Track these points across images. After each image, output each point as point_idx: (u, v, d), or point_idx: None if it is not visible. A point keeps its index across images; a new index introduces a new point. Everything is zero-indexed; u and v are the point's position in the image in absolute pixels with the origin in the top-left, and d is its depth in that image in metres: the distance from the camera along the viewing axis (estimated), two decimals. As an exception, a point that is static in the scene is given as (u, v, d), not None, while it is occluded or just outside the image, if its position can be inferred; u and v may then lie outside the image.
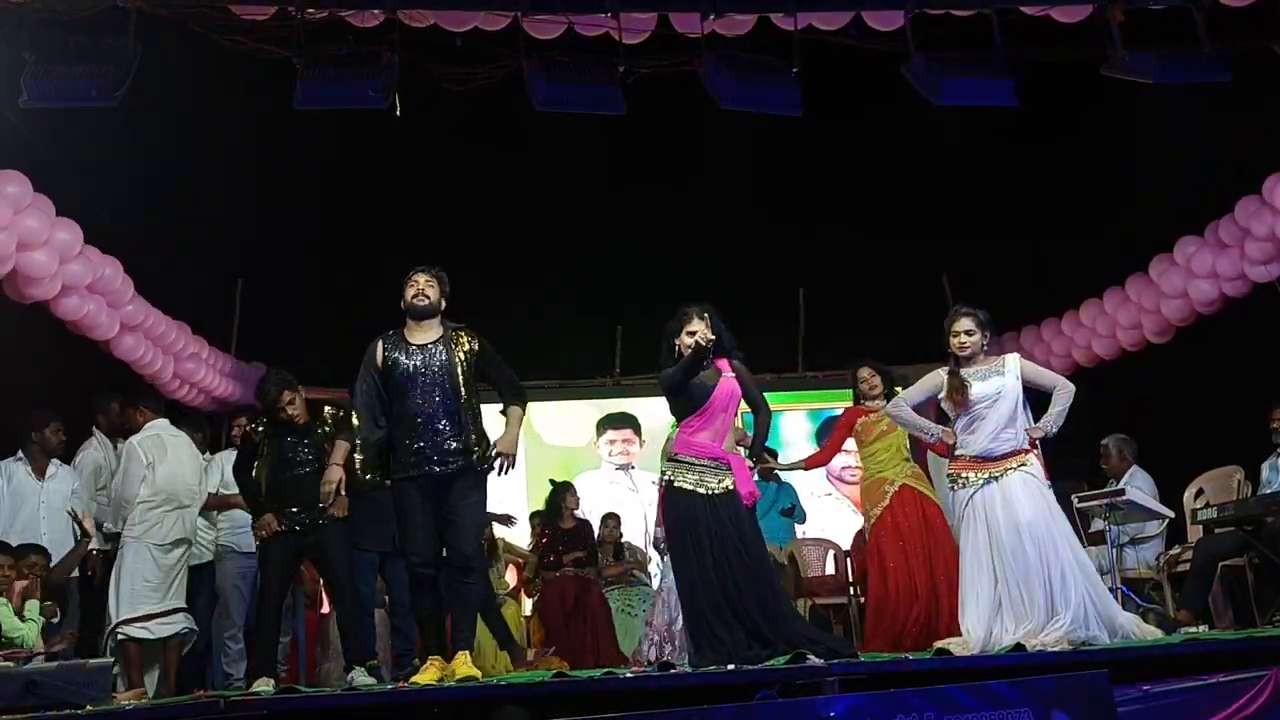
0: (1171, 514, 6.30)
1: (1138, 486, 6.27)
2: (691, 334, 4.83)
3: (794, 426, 10.37)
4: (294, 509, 5.36)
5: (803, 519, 8.48)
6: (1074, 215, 8.18)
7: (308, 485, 5.29)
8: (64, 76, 5.63)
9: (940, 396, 4.90)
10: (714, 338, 4.77)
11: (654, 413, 9.88)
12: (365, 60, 5.90)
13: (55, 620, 5.56)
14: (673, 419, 5.10)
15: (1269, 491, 6.04)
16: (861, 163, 8.16)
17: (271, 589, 5.39)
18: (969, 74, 6.11)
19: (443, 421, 4.75)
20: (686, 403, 4.86)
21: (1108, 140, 7.71)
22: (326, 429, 5.48)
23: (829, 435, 6.35)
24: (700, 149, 7.97)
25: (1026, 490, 4.66)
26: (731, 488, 4.76)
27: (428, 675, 4.55)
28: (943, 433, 4.88)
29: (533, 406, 10.18)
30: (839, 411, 10.72)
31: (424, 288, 4.90)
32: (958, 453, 4.84)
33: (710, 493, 4.73)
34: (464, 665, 4.54)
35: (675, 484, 4.80)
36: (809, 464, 6.63)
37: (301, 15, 5.86)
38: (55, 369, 6.95)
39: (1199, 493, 6.66)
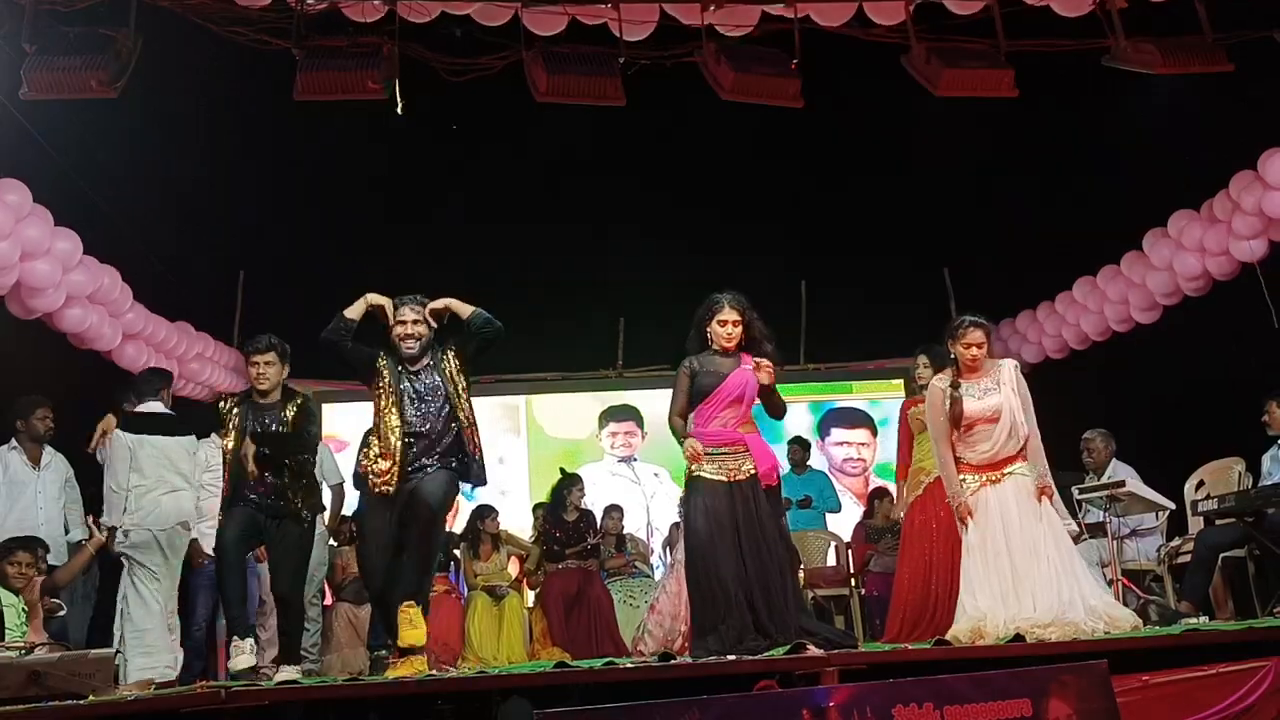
0: (1172, 505, 6.30)
1: (1123, 478, 6.28)
2: (723, 324, 4.85)
3: (795, 420, 10.36)
4: (259, 489, 5.03)
5: (827, 508, 8.50)
6: (1076, 200, 8.17)
7: (273, 466, 5.01)
8: (64, 68, 5.63)
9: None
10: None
11: (656, 405, 9.85)
12: (365, 51, 5.90)
13: (60, 615, 5.55)
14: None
15: (1270, 483, 6.04)
16: (863, 155, 8.15)
17: (228, 556, 4.99)
18: (969, 65, 6.11)
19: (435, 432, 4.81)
20: (696, 392, 4.86)
21: (1112, 124, 7.70)
22: (294, 410, 5.15)
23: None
24: (702, 141, 7.97)
25: (1017, 495, 4.76)
26: (753, 471, 4.77)
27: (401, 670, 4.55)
28: (959, 505, 4.89)
29: (535, 399, 10.33)
30: (837, 404, 10.94)
31: (411, 329, 4.87)
32: (958, 454, 4.91)
33: (733, 479, 4.74)
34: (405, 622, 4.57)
35: (696, 473, 4.78)
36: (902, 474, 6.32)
37: (301, 6, 5.86)
38: (56, 361, 6.97)
39: (1200, 484, 6.66)
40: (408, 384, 4.86)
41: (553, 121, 6.92)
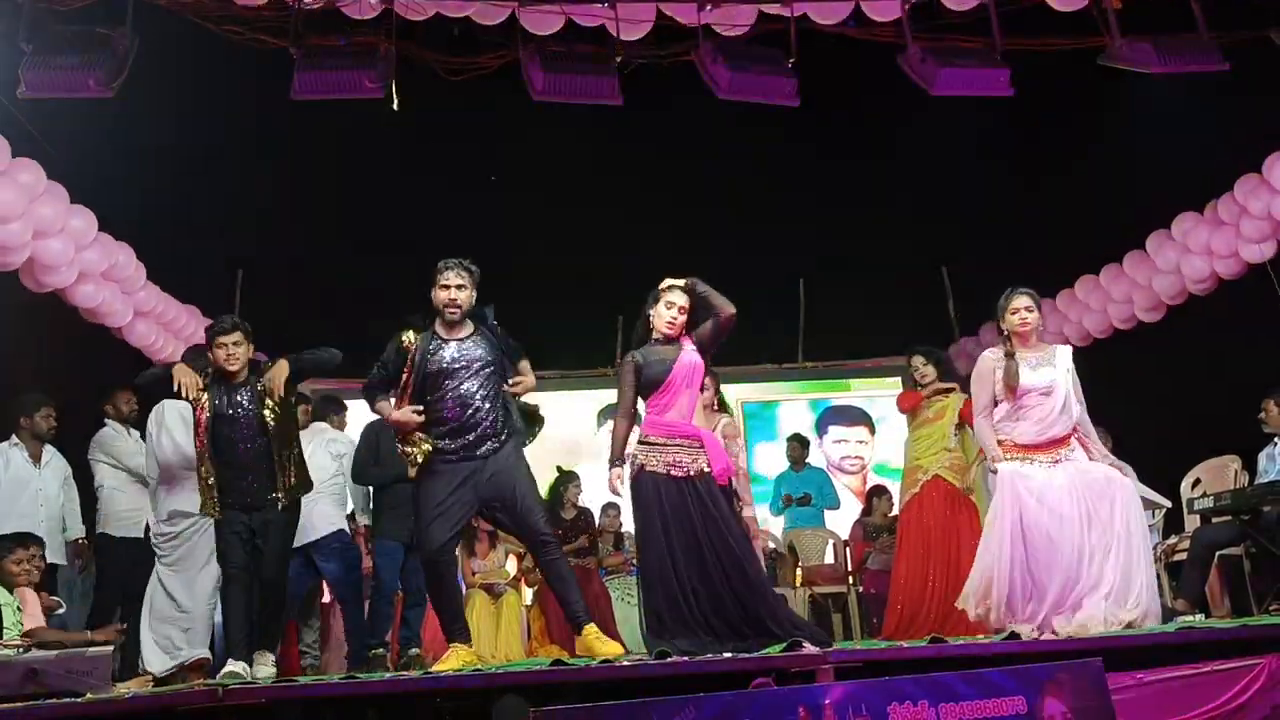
0: (1168, 503, 6.32)
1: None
2: (670, 306, 4.74)
3: (795, 416, 10.38)
4: (238, 480, 5.00)
5: (826, 505, 8.50)
6: (1074, 198, 8.18)
7: (249, 455, 5.01)
8: (62, 67, 5.65)
9: (995, 382, 4.78)
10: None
11: (654, 403, 9.89)
12: (362, 50, 5.91)
13: (60, 611, 5.56)
14: None
15: (1266, 481, 6.06)
16: (861, 153, 8.16)
17: (237, 573, 4.99)
18: (965, 64, 6.12)
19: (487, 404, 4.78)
20: (647, 383, 4.71)
21: (1108, 122, 7.71)
22: (262, 385, 5.09)
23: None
24: (700, 139, 7.97)
25: (1071, 487, 4.57)
26: (706, 468, 4.61)
27: (449, 663, 4.57)
28: (995, 459, 4.77)
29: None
30: (835, 402, 10.95)
31: (455, 295, 4.76)
32: (1001, 437, 4.75)
33: (685, 474, 4.59)
34: (596, 641, 4.60)
35: (645, 468, 4.63)
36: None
37: (298, 4, 5.87)
38: (58, 355, 6.97)
39: (1196, 482, 6.68)
40: (445, 354, 4.76)
41: (550, 120, 6.93)
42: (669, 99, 6.83)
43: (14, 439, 5.95)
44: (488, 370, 4.80)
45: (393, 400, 4.76)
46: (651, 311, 4.80)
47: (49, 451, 6.05)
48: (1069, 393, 4.70)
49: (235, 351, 5.06)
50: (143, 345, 7.59)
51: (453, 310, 4.76)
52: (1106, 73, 6.46)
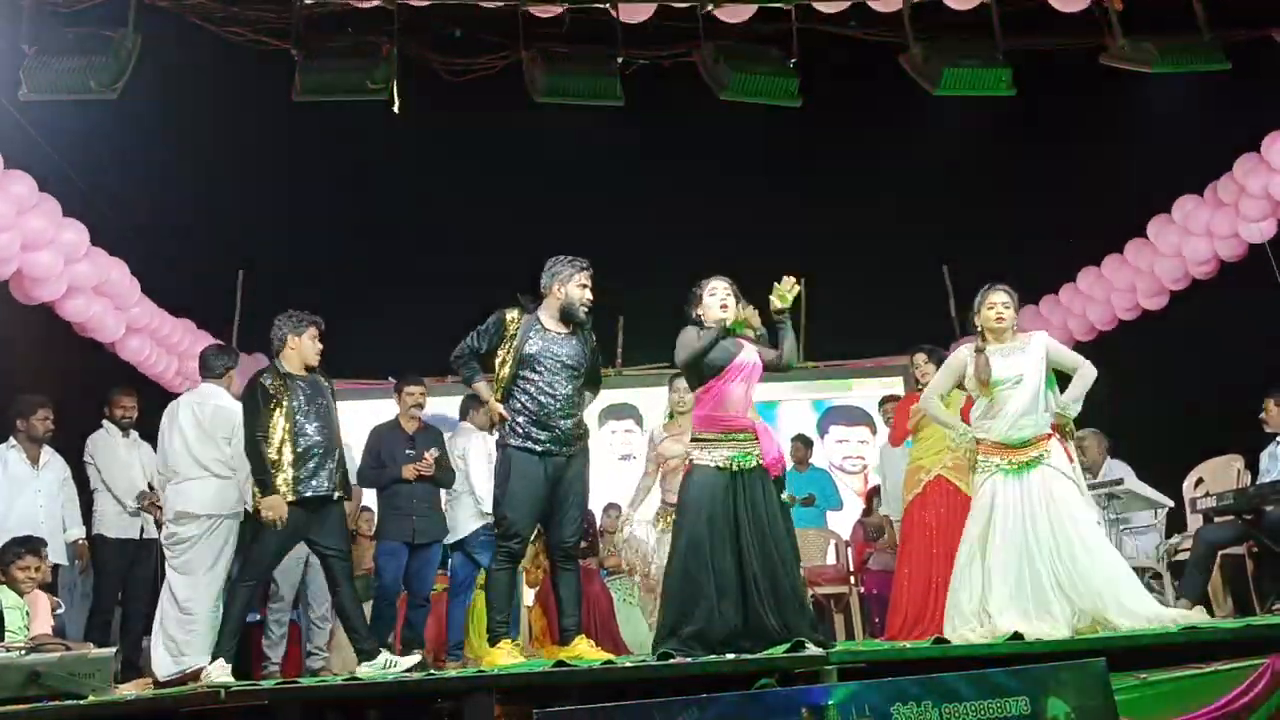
0: (1170, 503, 6.31)
1: (1120, 476, 6.29)
2: (713, 294, 4.78)
3: (796, 416, 10.36)
4: (319, 468, 4.95)
5: (829, 506, 8.50)
6: (1074, 192, 8.17)
7: (323, 445, 4.98)
8: (63, 68, 5.64)
9: (967, 378, 4.80)
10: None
11: (656, 403, 9.85)
12: (364, 52, 5.91)
13: (60, 612, 5.55)
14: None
15: (1268, 480, 6.05)
16: (862, 152, 8.15)
17: (263, 563, 4.99)
18: (967, 63, 6.12)
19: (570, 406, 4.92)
20: (706, 369, 4.67)
21: (1105, 114, 7.70)
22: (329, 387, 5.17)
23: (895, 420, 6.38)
24: (701, 139, 7.97)
25: (1045, 491, 4.57)
26: (759, 461, 4.60)
27: (498, 658, 4.68)
28: (960, 435, 4.80)
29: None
30: (836, 402, 10.94)
31: (590, 295, 5.01)
32: (979, 435, 4.76)
33: (739, 468, 4.56)
34: (588, 651, 4.73)
35: (697, 462, 4.61)
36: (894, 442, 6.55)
37: (300, 5, 5.87)
38: (58, 358, 6.97)
39: (1199, 481, 6.67)
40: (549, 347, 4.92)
41: (552, 121, 6.93)
42: (671, 99, 6.83)
43: (11, 441, 5.96)
44: (577, 372, 4.96)
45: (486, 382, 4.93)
46: (699, 311, 4.80)
47: (47, 453, 6.05)
48: (1039, 385, 4.66)
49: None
50: (136, 360, 7.55)
51: (587, 308, 4.98)
52: (1107, 70, 6.45)
